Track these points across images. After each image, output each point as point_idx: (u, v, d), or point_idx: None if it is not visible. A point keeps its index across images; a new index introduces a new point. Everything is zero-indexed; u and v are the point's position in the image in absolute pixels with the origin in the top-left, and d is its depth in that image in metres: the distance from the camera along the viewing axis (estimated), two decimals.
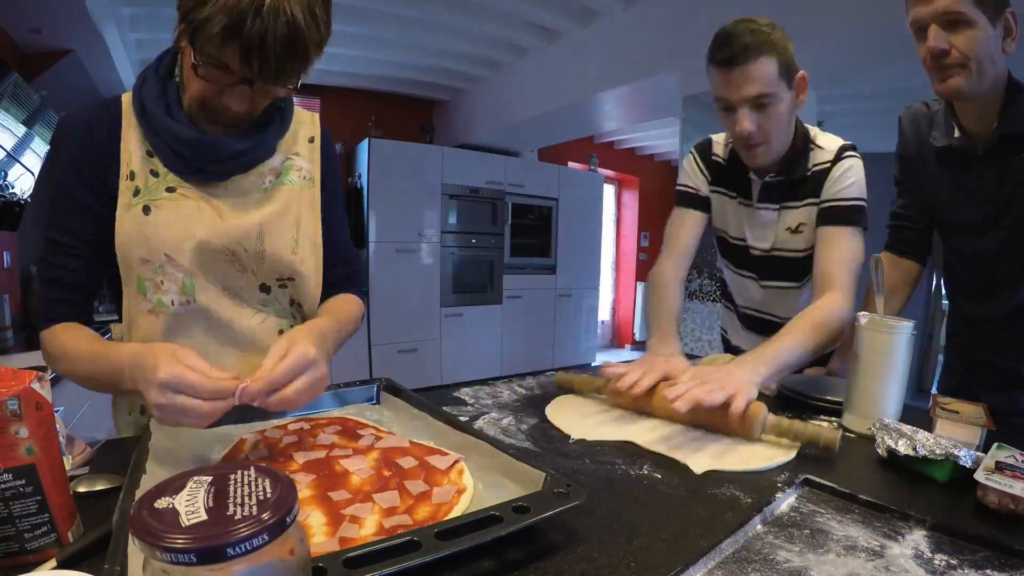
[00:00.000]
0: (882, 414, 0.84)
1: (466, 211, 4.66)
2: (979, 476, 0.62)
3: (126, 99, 0.81)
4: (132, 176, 0.78)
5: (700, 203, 1.25)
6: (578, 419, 0.91)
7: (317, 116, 0.96)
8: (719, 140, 1.25)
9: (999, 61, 0.92)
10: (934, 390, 1.20)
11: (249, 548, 0.29)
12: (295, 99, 0.90)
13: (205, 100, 0.76)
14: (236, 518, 0.30)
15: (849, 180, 1.08)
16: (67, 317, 0.80)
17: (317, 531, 0.51)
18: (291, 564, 0.31)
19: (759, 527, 0.58)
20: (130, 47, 3.38)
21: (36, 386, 0.48)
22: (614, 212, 7.08)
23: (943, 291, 6.07)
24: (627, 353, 6.77)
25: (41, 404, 0.48)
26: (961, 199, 1.06)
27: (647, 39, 3.18)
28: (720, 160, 1.23)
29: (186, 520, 0.29)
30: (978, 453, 0.67)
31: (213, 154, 0.80)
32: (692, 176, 1.25)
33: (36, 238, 3.37)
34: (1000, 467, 0.63)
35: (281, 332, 0.89)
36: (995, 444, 0.69)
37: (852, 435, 0.88)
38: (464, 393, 1.04)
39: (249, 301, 0.87)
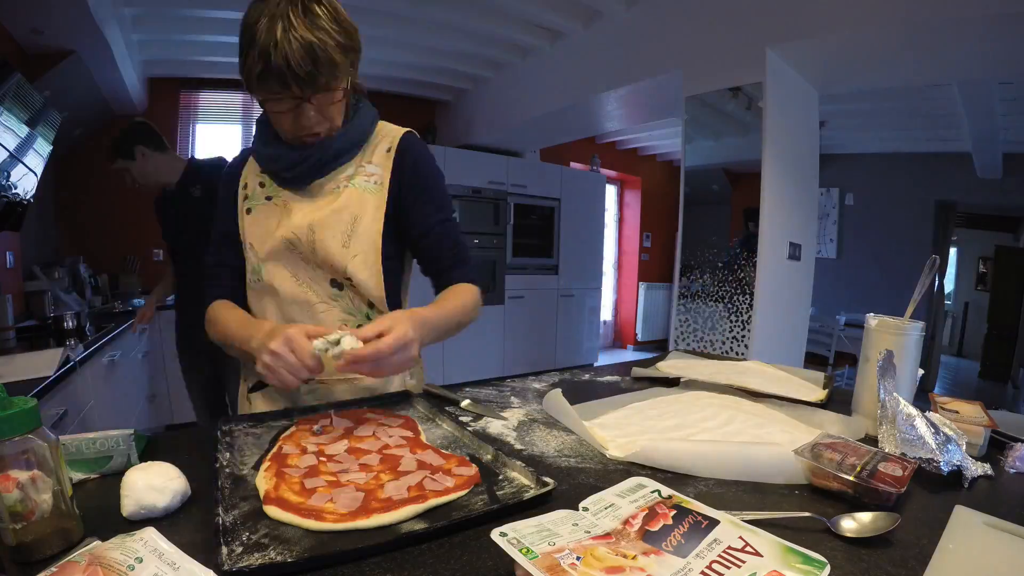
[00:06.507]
0: None
1: (468, 211, 4.66)
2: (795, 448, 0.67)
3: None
4: (246, 187, 1.03)
5: None
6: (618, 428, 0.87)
7: (403, 130, 1.05)
8: None
9: None
10: (937, 389, 1.21)
11: None
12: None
13: (288, 129, 0.93)
14: None
15: None
16: (225, 296, 1.04)
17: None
18: None
19: None
20: (132, 48, 3.39)
21: None
22: (616, 212, 7.08)
23: (945, 292, 6.06)
24: (629, 353, 6.76)
25: None
26: None
27: (649, 39, 3.18)
28: None
29: None
30: (968, 457, 0.68)
31: (280, 163, 0.98)
32: None
33: (39, 238, 3.38)
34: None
35: (345, 324, 1.00)
36: None
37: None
38: (467, 393, 1.04)
39: (317, 291, 0.99)
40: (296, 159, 0.96)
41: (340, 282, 0.99)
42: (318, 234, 0.96)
